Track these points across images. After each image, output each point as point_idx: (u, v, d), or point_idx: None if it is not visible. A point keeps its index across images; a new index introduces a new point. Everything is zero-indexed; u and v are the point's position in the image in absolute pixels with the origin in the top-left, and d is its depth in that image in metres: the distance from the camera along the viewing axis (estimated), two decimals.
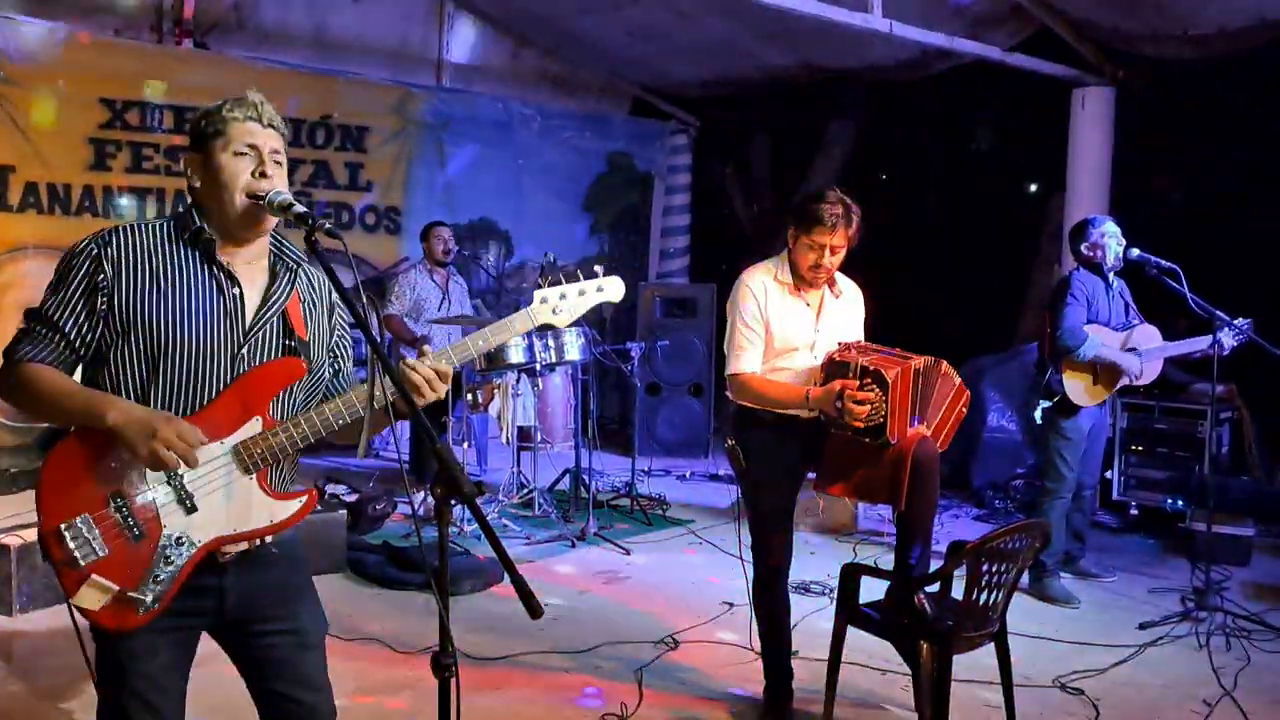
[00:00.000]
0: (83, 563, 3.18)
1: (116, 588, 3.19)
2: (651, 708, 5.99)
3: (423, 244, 10.85)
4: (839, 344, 5.58)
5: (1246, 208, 11.84)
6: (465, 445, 10.33)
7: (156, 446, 3.09)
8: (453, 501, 2.90)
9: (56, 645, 6.67)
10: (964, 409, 5.68)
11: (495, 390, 10.34)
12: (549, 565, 8.57)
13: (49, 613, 7.11)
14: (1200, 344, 7.79)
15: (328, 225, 3.18)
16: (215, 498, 3.27)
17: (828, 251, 5.47)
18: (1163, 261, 7.49)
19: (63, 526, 3.20)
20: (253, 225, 3.35)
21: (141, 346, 3.25)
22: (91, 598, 3.18)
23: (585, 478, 10.12)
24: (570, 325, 3.77)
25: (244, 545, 3.38)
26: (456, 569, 7.89)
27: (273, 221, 3.37)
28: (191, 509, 3.25)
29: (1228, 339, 7.63)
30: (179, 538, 3.24)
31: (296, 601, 3.59)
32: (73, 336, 3.26)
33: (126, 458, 3.18)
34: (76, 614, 3.26)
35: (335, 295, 3.65)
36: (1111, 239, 7.85)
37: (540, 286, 3.70)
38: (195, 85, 11.23)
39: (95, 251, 3.27)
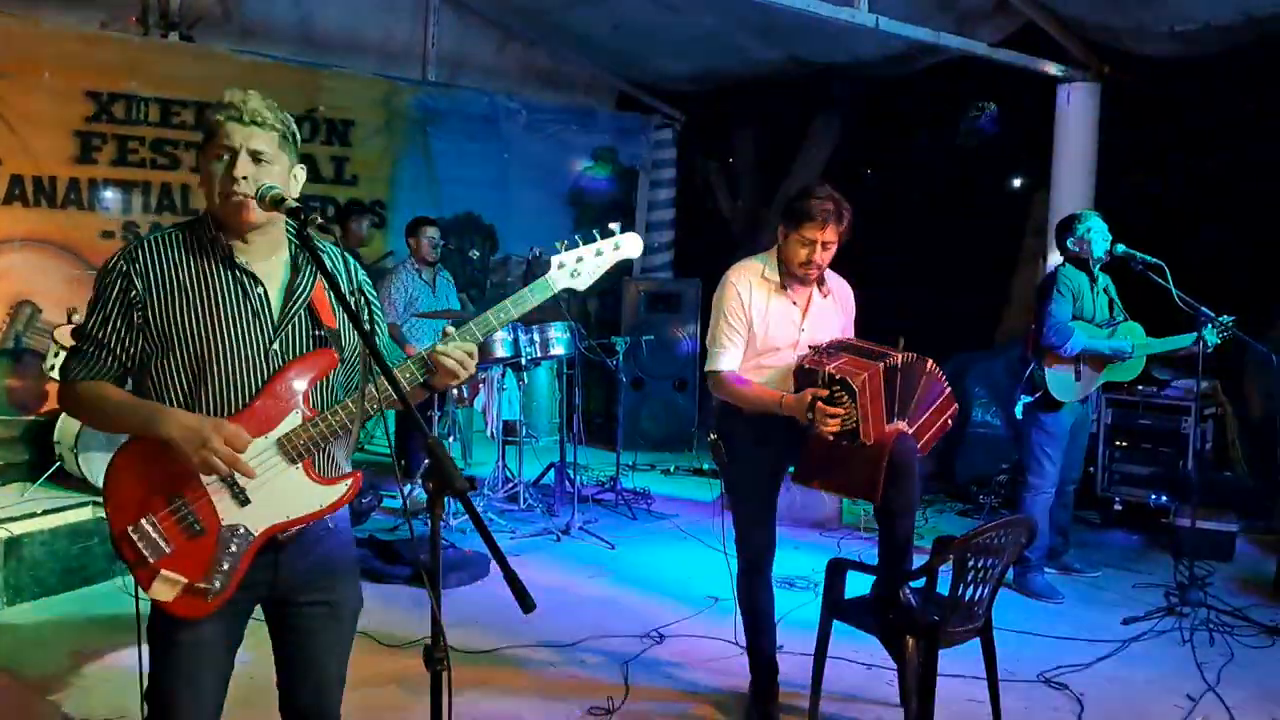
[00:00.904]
0: (151, 560, 3.35)
1: (185, 580, 3.36)
2: (638, 701, 6.01)
3: (409, 240, 10.81)
4: (809, 348, 5.58)
5: (1232, 204, 11.86)
6: (451, 439, 10.32)
7: (207, 455, 3.26)
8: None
9: (44, 637, 6.69)
10: (950, 420, 5.67)
11: (480, 385, 10.33)
12: (534, 559, 8.58)
13: (37, 605, 7.14)
14: (1184, 341, 7.80)
15: (320, 220, 3.28)
16: (266, 489, 3.42)
17: (818, 247, 5.47)
18: (1148, 257, 7.50)
19: (130, 529, 3.36)
20: (244, 225, 3.42)
21: (182, 356, 3.40)
22: (164, 591, 3.36)
23: (570, 472, 10.12)
24: (588, 288, 3.73)
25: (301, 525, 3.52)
26: (442, 562, 7.88)
27: (267, 216, 3.42)
28: (245, 501, 3.40)
29: (1212, 335, 7.65)
30: (237, 528, 3.40)
31: (339, 575, 3.75)
32: (118, 351, 3.42)
33: (180, 462, 3.31)
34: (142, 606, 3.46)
35: (360, 276, 3.75)
36: (1098, 234, 7.85)
37: (558, 252, 3.68)
38: (181, 78, 11.21)
39: (125, 268, 3.40)
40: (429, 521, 3.01)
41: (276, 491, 3.43)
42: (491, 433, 10.36)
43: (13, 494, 8.63)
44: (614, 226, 3.77)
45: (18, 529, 7.27)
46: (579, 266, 3.68)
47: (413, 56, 13.66)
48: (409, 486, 9.81)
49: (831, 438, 5.25)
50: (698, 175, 17.33)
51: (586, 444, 11.40)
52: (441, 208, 13.23)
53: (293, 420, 3.44)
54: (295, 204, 3.33)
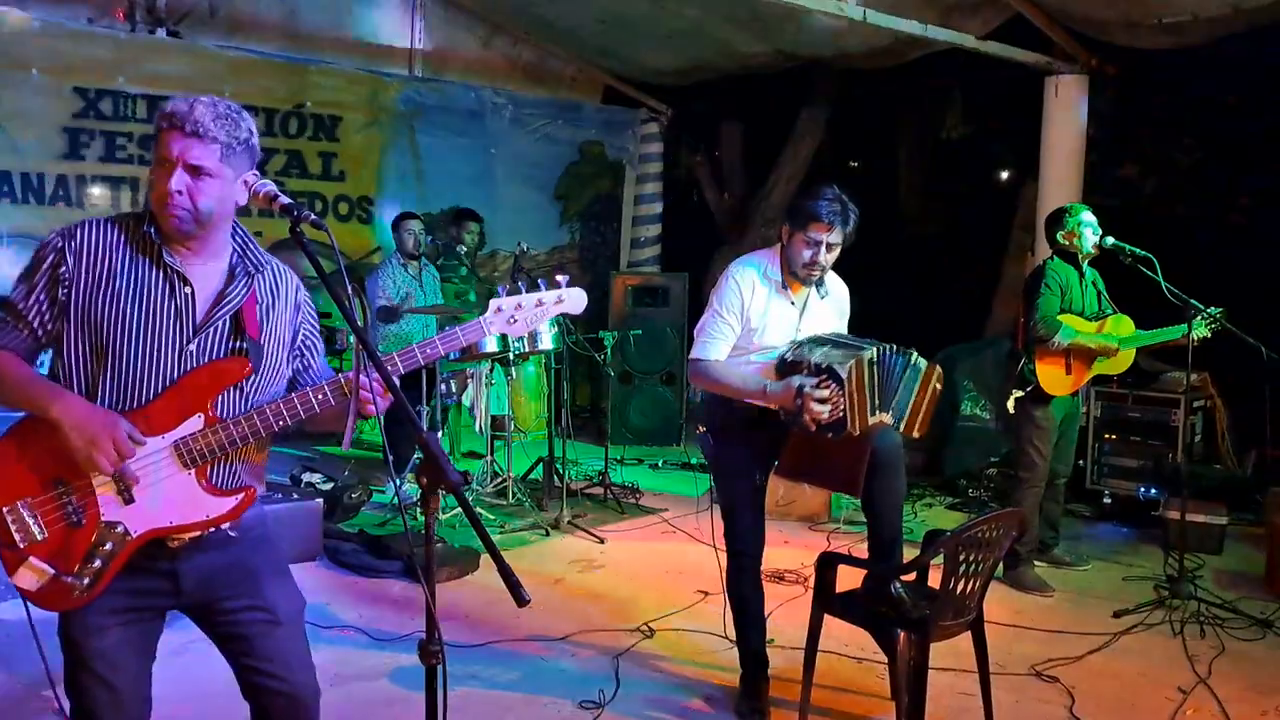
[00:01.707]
0: (21, 545, 3.30)
1: (52, 571, 3.31)
2: (628, 696, 5.99)
3: (394, 234, 10.81)
4: (790, 343, 5.56)
5: (1219, 195, 11.89)
6: (439, 433, 10.32)
7: (94, 454, 3.23)
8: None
9: (38, 634, 6.66)
10: (939, 384, 5.63)
11: (469, 380, 10.32)
12: (523, 554, 8.56)
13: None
14: (1173, 334, 7.79)
15: (313, 217, 3.28)
16: (152, 491, 3.35)
17: (823, 248, 5.45)
18: (1137, 250, 7.50)
19: (4, 509, 3.29)
20: (175, 234, 3.39)
21: (91, 340, 3.35)
22: (28, 579, 3.31)
23: (558, 467, 10.12)
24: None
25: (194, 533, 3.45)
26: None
27: (203, 228, 3.39)
28: (129, 500, 3.34)
29: (1201, 328, 7.63)
30: (116, 526, 3.34)
31: (258, 580, 3.63)
32: (36, 325, 3.37)
33: (67, 450, 3.27)
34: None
35: (302, 295, 3.72)
36: (1087, 227, 7.84)
37: (507, 289, 3.62)
38: (168, 75, 11.20)
39: (60, 244, 3.37)
40: (418, 516, 3.01)
41: (163, 495, 3.37)
42: (480, 428, 10.35)
43: None
44: (560, 279, 3.67)
45: None
46: (517, 314, 3.59)
47: (399, 52, 13.66)
48: (399, 481, 9.79)
49: (816, 427, 5.24)
50: (684, 169, 17.35)
51: (574, 438, 11.41)
52: (428, 203, 13.27)
53: (193, 424, 3.39)
54: (289, 202, 3.32)
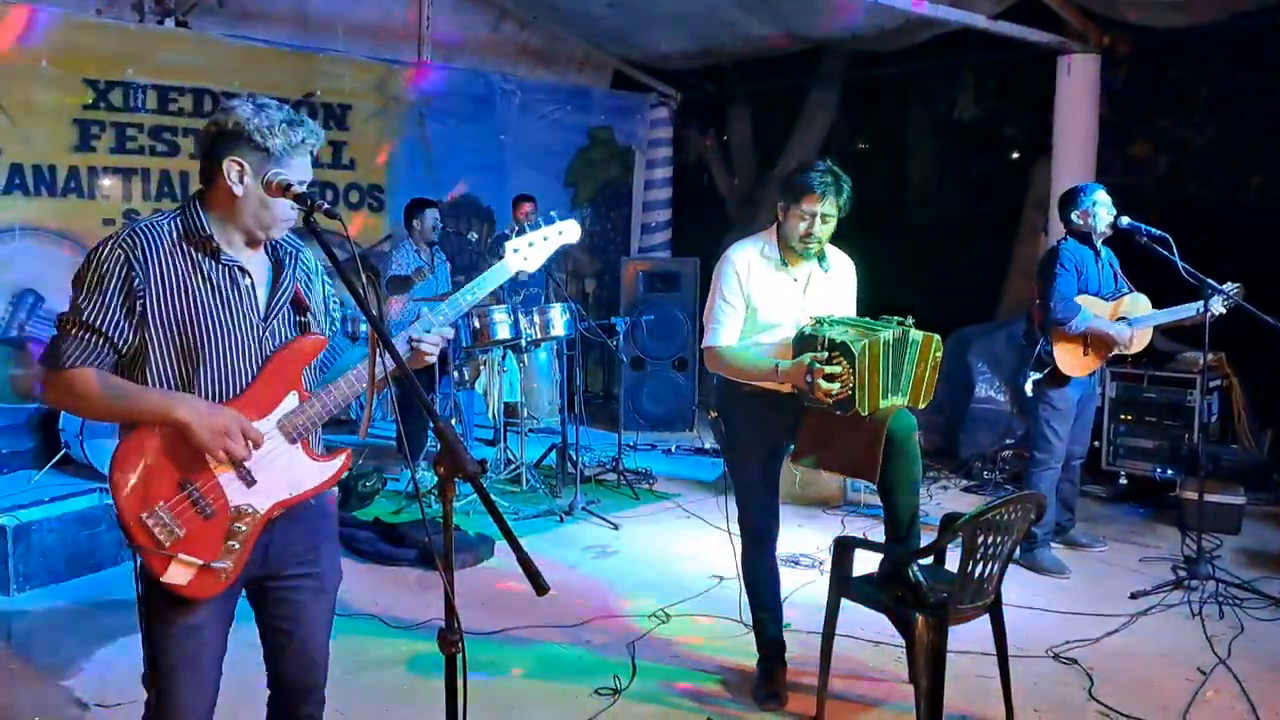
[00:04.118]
0: (167, 545, 3.38)
1: (200, 562, 3.42)
2: (645, 681, 5.99)
3: (408, 221, 10.79)
4: (810, 318, 5.56)
5: (1233, 173, 11.84)
6: (453, 421, 10.32)
7: (228, 443, 3.38)
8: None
9: (55, 623, 6.70)
10: (938, 353, 5.59)
11: (481, 366, 10.31)
12: (538, 540, 8.54)
13: (47, 591, 7.16)
14: (1189, 310, 7.74)
15: (326, 205, 3.38)
16: (271, 469, 3.53)
17: (818, 220, 5.46)
18: (1153, 229, 7.45)
19: (144, 515, 3.36)
20: (263, 237, 3.58)
21: (182, 345, 3.44)
22: (180, 574, 3.40)
23: (572, 453, 10.10)
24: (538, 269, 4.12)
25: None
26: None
27: None
28: (251, 482, 3.49)
29: (1217, 305, 7.58)
30: (244, 508, 3.49)
31: (319, 548, 3.81)
32: (116, 339, 3.40)
33: (189, 445, 3.38)
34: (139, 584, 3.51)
35: (318, 266, 3.91)
36: (1102, 207, 7.80)
37: (509, 237, 4.08)
38: (178, 65, 11.19)
39: (124, 255, 3.39)
40: (432, 504, 3.05)
41: (279, 471, 3.54)
42: (493, 414, 10.35)
43: (19, 481, 8.62)
44: (554, 214, 4.19)
45: (26, 516, 7.27)
46: (529, 251, 4.04)
47: (408, 38, 13.62)
48: (415, 469, 9.79)
49: (827, 401, 5.23)
50: (694, 153, 17.32)
51: (587, 424, 11.40)
52: (439, 190, 13.23)
53: (290, 402, 3.56)
54: (302, 190, 3.41)
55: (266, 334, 3.55)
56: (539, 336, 9.95)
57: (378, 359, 3.38)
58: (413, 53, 13.50)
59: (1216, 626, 6.82)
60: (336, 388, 3.57)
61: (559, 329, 9.93)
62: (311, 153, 3.53)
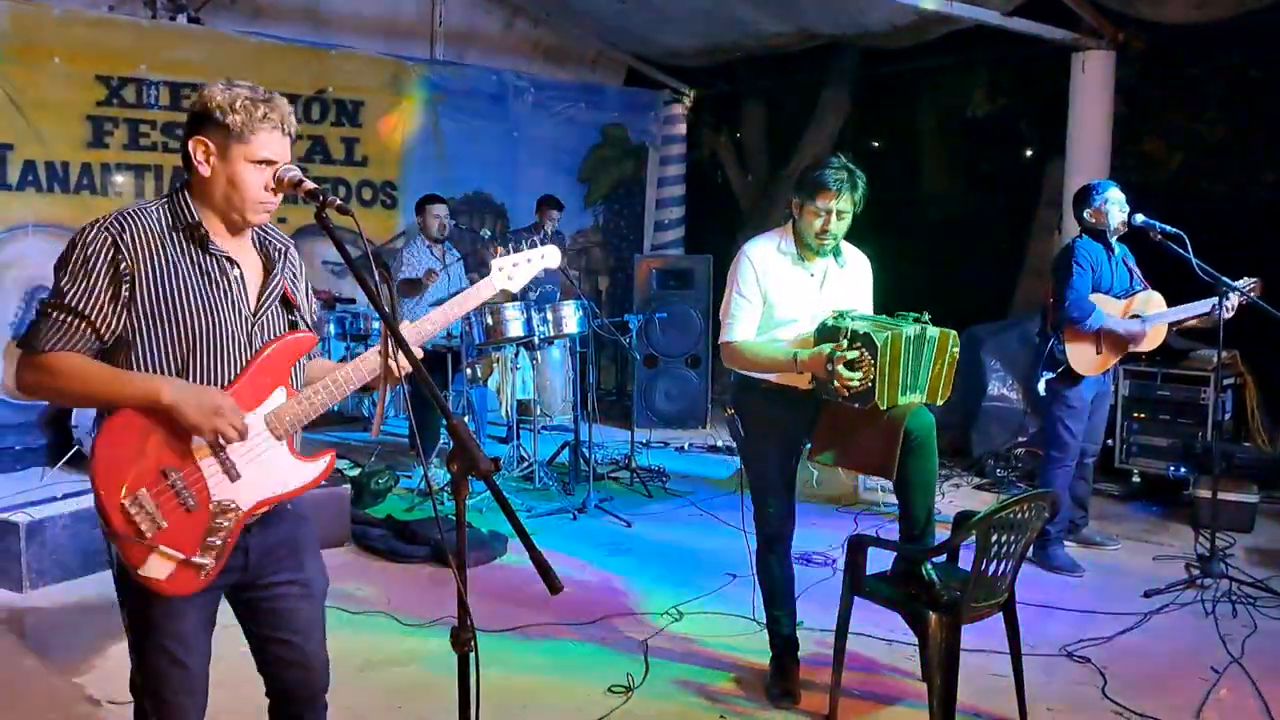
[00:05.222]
0: (148, 535, 3.32)
1: (181, 556, 3.36)
2: (658, 679, 5.99)
3: (418, 218, 10.80)
4: (832, 311, 5.55)
5: (1246, 170, 11.81)
6: (466, 418, 10.32)
7: (221, 424, 3.33)
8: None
9: (68, 620, 6.71)
10: (955, 350, 5.58)
11: (495, 363, 10.32)
12: (551, 538, 8.51)
13: (59, 588, 7.19)
14: (1203, 307, 7.71)
15: (339, 202, 3.35)
16: (255, 465, 3.48)
17: (833, 216, 5.46)
18: (1167, 227, 7.42)
19: (125, 503, 3.30)
20: (251, 226, 3.56)
21: (173, 332, 3.39)
22: (159, 567, 3.35)
23: (585, 450, 10.11)
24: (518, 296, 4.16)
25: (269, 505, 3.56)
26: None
27: None
28: (236, 476, 3.44)
29: (1233, 300, 7.55)
30: (227, 504, 3.44)
31: (304, 553, 3.77)
32: (99, 324, 3.35)
33: (174, 433, 3.35)
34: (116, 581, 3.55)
35: (297, 257, 3.86)
36: (1115, 204, 7.77)
37: (494, 256, 4.11)
38: (190, 61, 11.21)
39: (111, 239, 3.36)
40: (444, 501, 3.06)
41: (263, 467, 3.50)
42: (505, 412, 10.36)
43: (32, 478, 8.63)
44: (536, 239, 4.33)
45: (39, 513, 7.26)
46: (514, 271, 4.06)
47: (420, 35, 13.63)
48: (427, 466, 9.79)
49: (845, 393, 5.22)
50: (707, 150, 17.32)
51: (600, 422, 11.39)
52: (452, 187, 13.23)
53: (278, 398, 3.52)
54: (313, 186, 3.39)
55: (255, 328, 3.51)
56: (552, 334, 9.96)
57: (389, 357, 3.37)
58: (425, 50, 13.53)
59: (1229, 625, 6.81)
60: (325, 388, 3.54)
61: (572, 326, 9.93)
62: (286, 132, 3.46)
